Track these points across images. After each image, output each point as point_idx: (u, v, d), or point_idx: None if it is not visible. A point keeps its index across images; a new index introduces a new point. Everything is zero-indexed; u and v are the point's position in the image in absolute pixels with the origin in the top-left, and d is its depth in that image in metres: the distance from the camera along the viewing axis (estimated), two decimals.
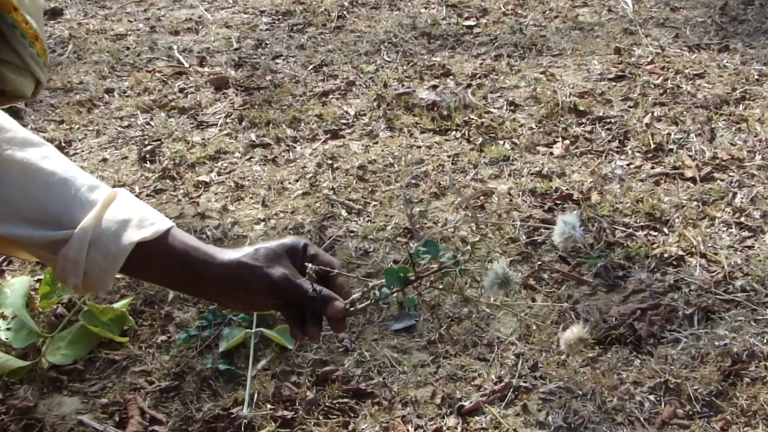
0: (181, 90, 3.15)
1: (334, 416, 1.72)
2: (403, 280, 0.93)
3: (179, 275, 0.94)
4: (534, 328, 1.92)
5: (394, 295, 0.93)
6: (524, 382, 1.79)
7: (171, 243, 0.93)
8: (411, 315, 1.91)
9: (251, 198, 2.46)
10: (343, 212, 2.37)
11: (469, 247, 0.94)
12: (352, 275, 1.10)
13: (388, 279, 0.92)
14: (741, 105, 2.84)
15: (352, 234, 2.27)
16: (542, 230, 2.24)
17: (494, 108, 2.88)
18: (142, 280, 1.92)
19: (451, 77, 3.12)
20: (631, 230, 2.23)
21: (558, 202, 2.38)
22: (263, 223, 2.33)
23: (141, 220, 0.92)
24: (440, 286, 0.97)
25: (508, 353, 1.87)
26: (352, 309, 0.95)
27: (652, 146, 2.62)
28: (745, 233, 2.21)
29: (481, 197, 2.40)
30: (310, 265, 0.92)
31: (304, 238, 0.98)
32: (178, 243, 0.94)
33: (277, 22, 3.62)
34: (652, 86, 2.98)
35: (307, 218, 2.33)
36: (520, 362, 1.84)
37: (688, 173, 2.48)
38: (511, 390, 1.76)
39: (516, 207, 2.35)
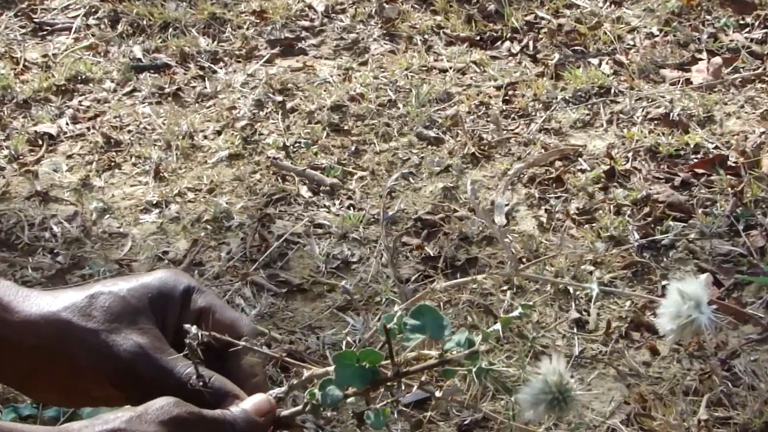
0: None
1: None
2: (371, 377, 0.92)
3: None
4: (653, 399, 1.93)
5: (350, 399, 0.93)
6: None
7: None
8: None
9: (135, 165, 2.45)
10: (305, 191, 2.35)
11: (497, 326, 0.95)
12: (274, 352, 1.00)
13: (343, 373, 0.92)
14: None
15: (320, 230, 2.26)
16: (670, 222, 2.25)
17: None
18: None
19: None
20: None
21: (699, 171, 2.36)
22: (157, 212, 2.32)
23: None
24: (437, 394, 0.95)
25: None
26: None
27: None
28: None
29: (559, 164, 2.37)
30: (192, 328, 0.92)
31: (186, 276, 0.98)
32: None
33: None
34: None
35: (238, 202, 2.30)
36: None
37: None
38: None
39: (622, 181, 2.33)
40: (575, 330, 2.04)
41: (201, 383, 0.91)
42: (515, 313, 0.93)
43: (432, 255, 2.22)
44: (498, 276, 2.16)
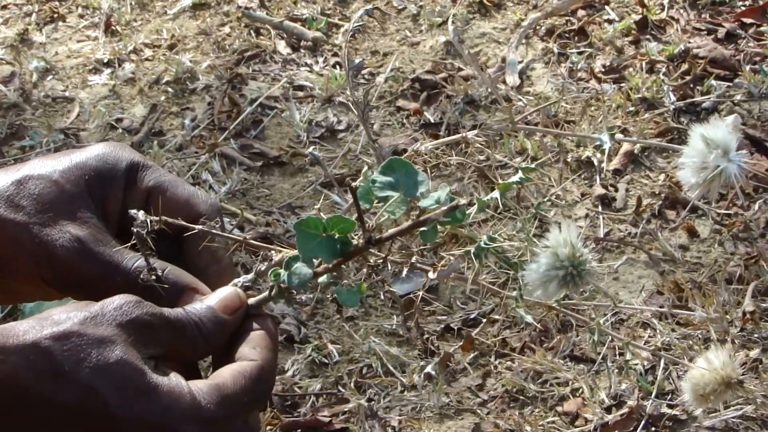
0: None
1: None
2: (340, 247, 0.92)
3: None
4: (691, 289, 1.83)
5: (322, 278, 0.92)
6: None
7: None
8: None
9: (82, 16, 2.42)
10: (282, 46, 2.31)
11: (495, 193, 0.96)
12: (237, 236, 0.98)
13: (307, 244, 0.91)
14: None
15: (300, 93, 2.21)
16: (712, 81, 2.20)
17: None
18: None
19: None
20: None
21: (747, 21, 2.30)
22: (109, 73, 2.28)
23: None
24: (431, 275, 0.93)
25: None
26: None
27: None
28: None
29: (582, 14, 2.30)
30: (139, 214, 0.90)
31: (128, 149, 0.97)
32: None
33: None
34: None
35: (204, 60, 2.26)
36: None
37: None
38: None
39: (656, 33, 2.28)
40: (600, 208, 2.00)
41: (153, 277, 0.91)
42: (515, 178, 0.94)
43: (432, 121, 2.19)
44: (492, 131, 2.11)
